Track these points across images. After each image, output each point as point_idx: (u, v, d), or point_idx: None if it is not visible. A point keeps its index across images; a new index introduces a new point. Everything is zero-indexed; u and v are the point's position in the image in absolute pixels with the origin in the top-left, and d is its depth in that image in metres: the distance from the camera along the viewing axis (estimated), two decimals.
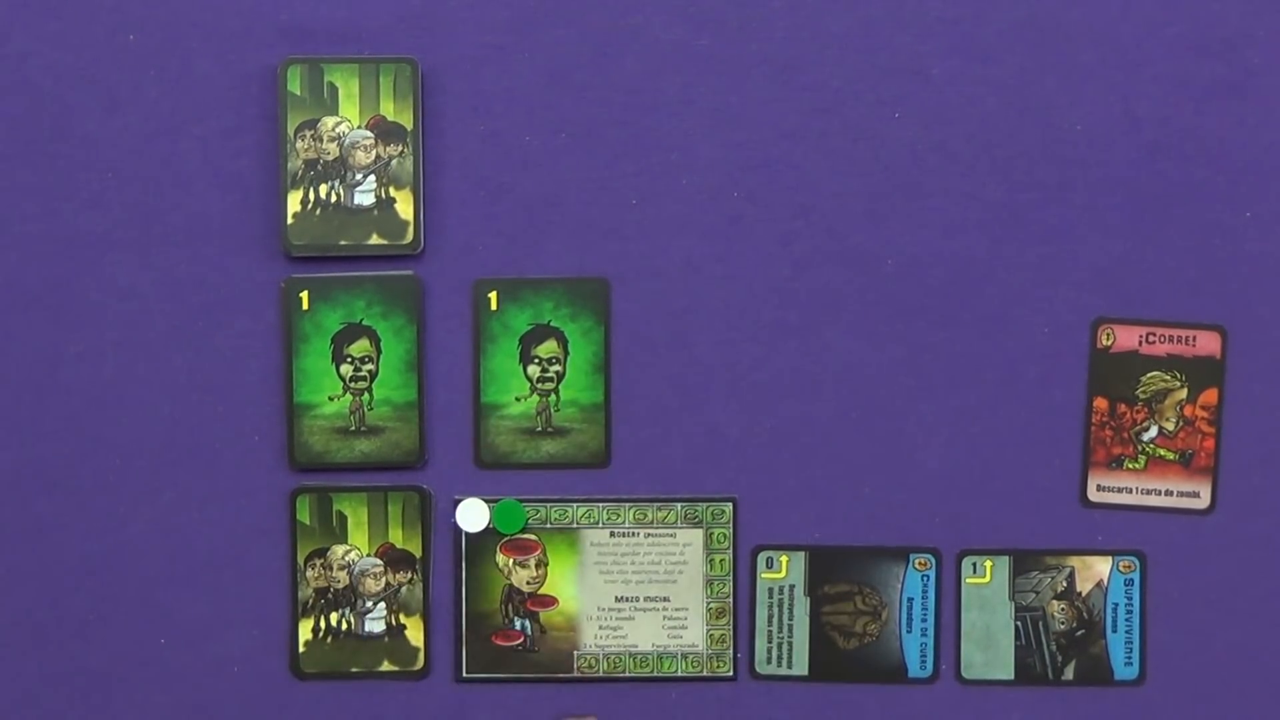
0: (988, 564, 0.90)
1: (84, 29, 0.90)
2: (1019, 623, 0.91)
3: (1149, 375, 0.90)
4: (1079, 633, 0.91)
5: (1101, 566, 0.90)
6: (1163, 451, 0.91)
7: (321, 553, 0.91)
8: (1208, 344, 0.90)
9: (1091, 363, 0.90)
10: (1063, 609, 0.91)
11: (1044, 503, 0.91)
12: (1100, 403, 0.90)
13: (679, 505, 0.92)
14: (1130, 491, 0.91)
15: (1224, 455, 0.91)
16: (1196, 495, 0.91)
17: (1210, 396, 0.90)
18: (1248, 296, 0.90)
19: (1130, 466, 0.91)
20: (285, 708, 0.92)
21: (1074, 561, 0.91)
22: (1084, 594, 0.91)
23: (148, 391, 0.90)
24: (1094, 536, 0.91)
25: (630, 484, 0.92)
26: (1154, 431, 0.90)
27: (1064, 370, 0.90)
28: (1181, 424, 0.90)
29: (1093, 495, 0.91)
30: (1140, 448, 0.90)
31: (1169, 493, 0.91)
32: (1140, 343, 0.90)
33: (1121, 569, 0.90)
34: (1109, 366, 0.90)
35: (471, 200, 0.90)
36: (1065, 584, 0.91)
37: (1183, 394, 0.90)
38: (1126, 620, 0.91)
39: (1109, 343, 0.90)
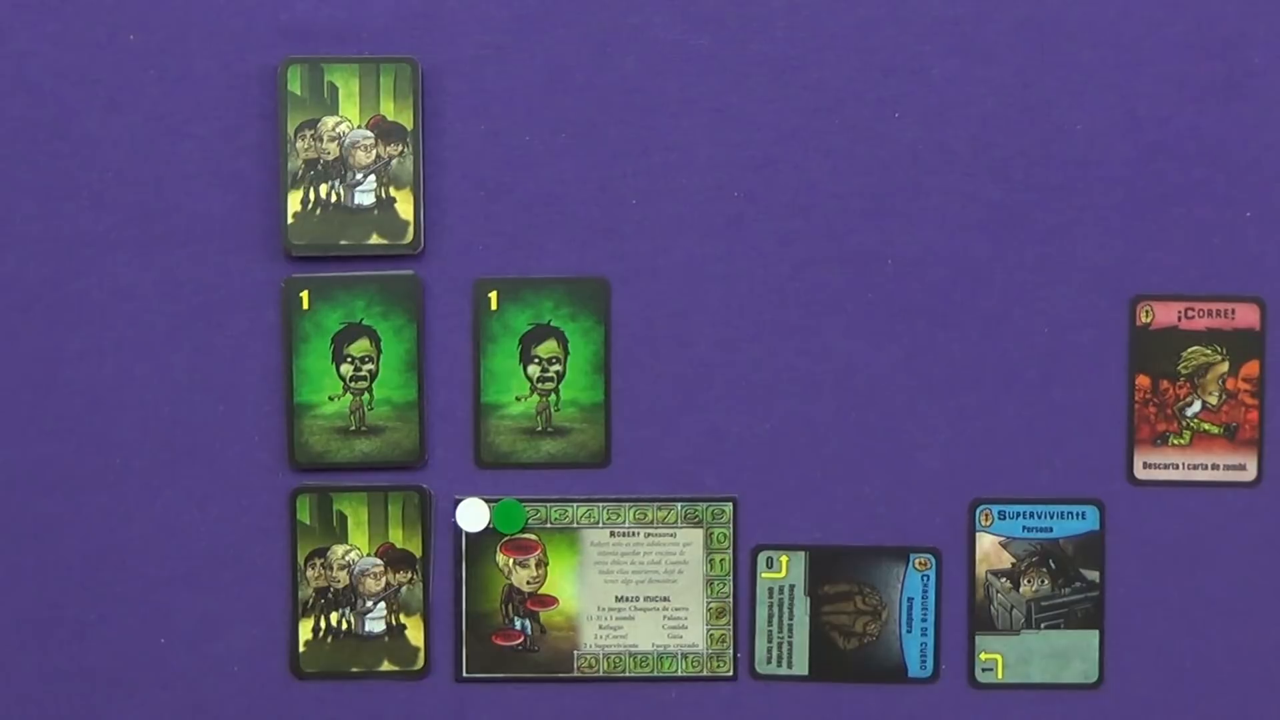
0: None
1: (84, 29, 0.89)
2: None
3: (1190, 350, 0.90)
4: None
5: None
6: (1207, 426, 0.91)
7: (321, 552, 0.91)
8: (1247, 316, 0.90)
9: (1131, 340, 0.90)
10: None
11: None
12: (1142, 380, 0.90)
13: (679, 505, 0.92)
14: (1177, 468, 0.91)
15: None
16: (1243, 468, 0.91)
17: (1252, 369, 0.90)
18: None
19: (1175, 443, 0.91)
20: (285, 708, 0.92)
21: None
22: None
23: (148, 391, 0.90)
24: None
25: (630, 484, 0.92)
26: (1197, 406, 0.91)
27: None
28: (1224, 397, 0.91)
29: (1139, 473, 0.91)
30: (1184, 423, 0.91)
31: (1215, 466, 0.91)
32: (1179, 318, 0.90)
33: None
34: (1149, 343, 0.90)
35: (471, 200, 0.90)
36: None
37: (1224, 367, 0.90)
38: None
39: (1148, 320, 0.90)
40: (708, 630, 0.92)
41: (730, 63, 0.90)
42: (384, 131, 0.89)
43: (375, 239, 0.90)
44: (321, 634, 0.92)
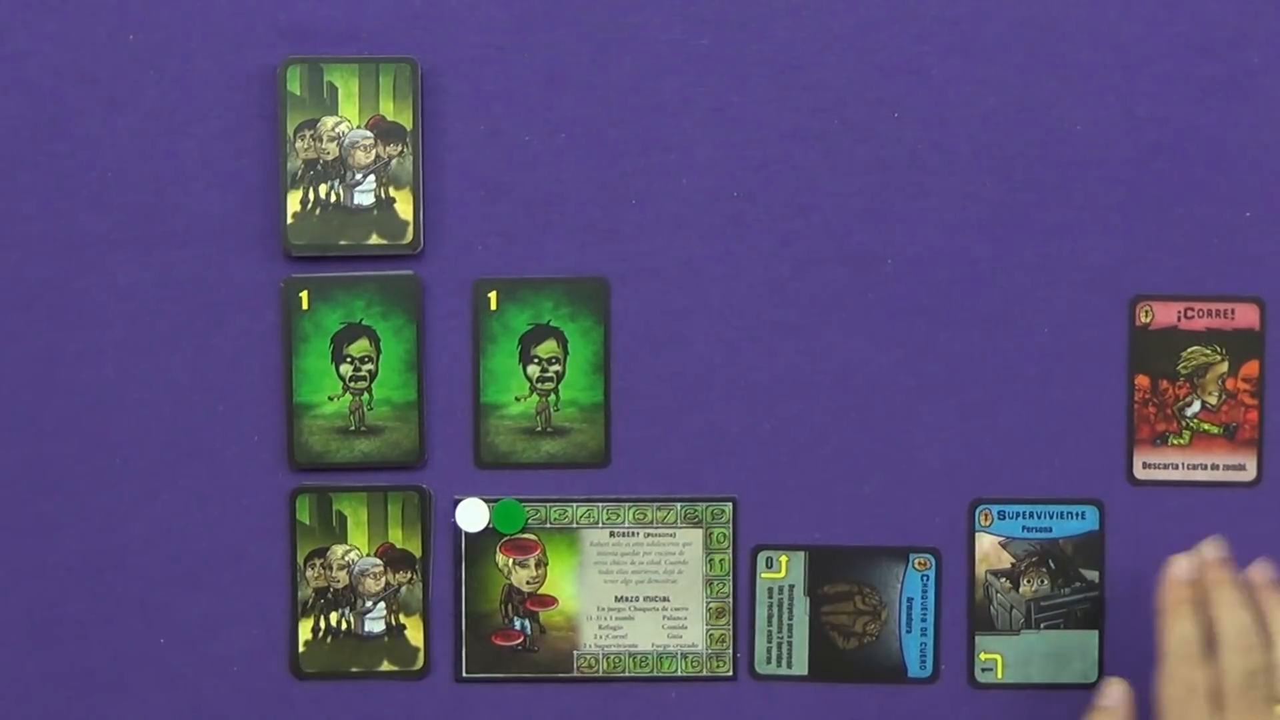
0: None
1: (84, 29, 0.90)
2: None
3: (1189, 350, 0.90)
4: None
5: None
6: (1206, 426, 0.91)
7: (321, 553, 0.91)
8: (1246, 316, 0.90)
9: (1131, 340, 0.90)
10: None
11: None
12: (1142, 380, 0.90)
13: (679, 505, 0.92)
14: (1176, 468, 0.91)
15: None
16: (1242, 468, 0.91)
17: (1251, 369, 0.90)
18: None
19: (1175, 443, 0.91)
20: (285, 708, 0.92)
21: None
22: None
23: (148, 391, 0.90)
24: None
25: (630, 484, 0.92)
26: (1197, 406, 0.91)
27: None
28: (1224, 397, 0.91)
29: (1139, 473, 0.91)
30: (1184, 423, 0.91)
31: (1215, 466, 0.91)
32: (1179, 318, 0.90)
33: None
34: (1149, 343, 0.90)
35: (471, 200, 0.90)
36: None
37: (1224, 367, 0.90)
38: None
39: (1148, 320, 0.90)
40: (707, 630, 0.92)
41: (730, 63, 0.90)
42: (383, 131, 0.89)
43: (375, 239, 0.90)
44: (321, 634, 0.92)
